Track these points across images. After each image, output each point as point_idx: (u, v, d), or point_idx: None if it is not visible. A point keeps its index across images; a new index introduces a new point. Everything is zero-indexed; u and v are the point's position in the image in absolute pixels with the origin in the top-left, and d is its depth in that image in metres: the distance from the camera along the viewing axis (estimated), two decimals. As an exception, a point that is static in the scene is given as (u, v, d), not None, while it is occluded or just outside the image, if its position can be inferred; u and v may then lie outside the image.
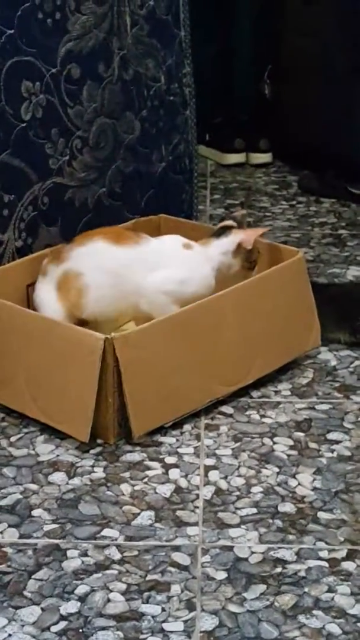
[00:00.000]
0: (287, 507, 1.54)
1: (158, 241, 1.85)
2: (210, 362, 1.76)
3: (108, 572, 1.41)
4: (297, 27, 2.93)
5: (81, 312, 1.78)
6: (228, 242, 1.86)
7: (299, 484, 1.60)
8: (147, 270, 1.79)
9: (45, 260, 1.84)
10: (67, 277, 1.79)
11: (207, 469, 1.63)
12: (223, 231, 1.88)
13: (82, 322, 1.78)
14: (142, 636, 1.30)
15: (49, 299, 1.80)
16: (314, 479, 1.60)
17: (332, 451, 1.68)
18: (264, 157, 3.10)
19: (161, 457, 1.66)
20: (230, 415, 1.78)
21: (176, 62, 2.25)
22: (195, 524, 1.51)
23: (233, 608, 1.35)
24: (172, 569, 1.42)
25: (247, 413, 1.79)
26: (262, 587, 1.38)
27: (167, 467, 1.64)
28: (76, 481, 1.60)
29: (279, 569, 1.41)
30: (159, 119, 2.24)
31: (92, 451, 1.68)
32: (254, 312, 1.82)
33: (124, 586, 1.39)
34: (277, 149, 3.10)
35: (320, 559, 1.43)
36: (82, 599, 1.36)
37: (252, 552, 1.45)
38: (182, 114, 2.31)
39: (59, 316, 1.77)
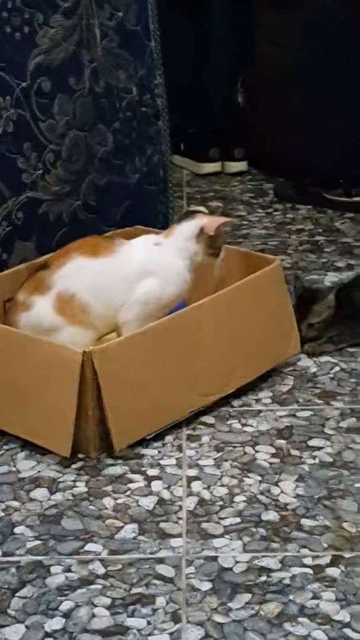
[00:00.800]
0: (271, 516, 1.54)
1: (129, 247, 1.80)
2: (190, 373, 1.76)
3: (92, 587, 1.40)
4: (270, 36, 2.93)
5: (94, 325, 1.76)
6: (190, 227, 1.80)
7: (282, 491, 1.59)
8: (126, 280, 1.77)
9: (22, 295, 1.77)
10: (62, 300, 1.74)
11: (190, 479, 1.63)
12: (185, 216, 1.83)
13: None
14: (127, 650, 1.30)
15: (56, 324, 1.74)
16: (297, 486, 1.60)
17: (314, 458, 1.67)
18: (239, 166, 3.11)
19: (143, 469, 1.66)
20: (212, 425, 1.77)
21: (147, 73, 2.25)
22: (179, 535, 1.50)
23: (219, 618, 1.34)
24: (157, 582, 1.41)
25: (229, 422, 1.78)
26: (247, 597, 1.37)
27: (149, 479, 1.63)
28: (58, 496, 1.59)
29: (263, 578, 1.41)
30: (132, 131, 2.23)
31: (73, 466, 1.67)
32: (232, 321, 1.82)
33: (108, 600, 1.38)
34: (252, 157, 3.11)
35: (304, 566, 1.43)
36: (67, 615, 1.35)
37: (237, 562, 1.44)
38: (155, 125, 2.31)
39: (87, 335, 1.75)
